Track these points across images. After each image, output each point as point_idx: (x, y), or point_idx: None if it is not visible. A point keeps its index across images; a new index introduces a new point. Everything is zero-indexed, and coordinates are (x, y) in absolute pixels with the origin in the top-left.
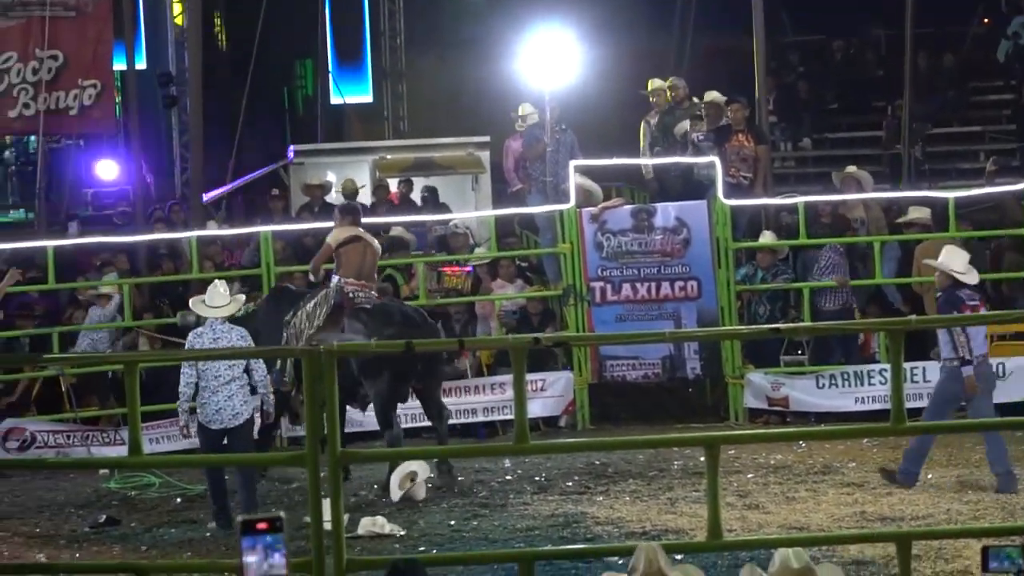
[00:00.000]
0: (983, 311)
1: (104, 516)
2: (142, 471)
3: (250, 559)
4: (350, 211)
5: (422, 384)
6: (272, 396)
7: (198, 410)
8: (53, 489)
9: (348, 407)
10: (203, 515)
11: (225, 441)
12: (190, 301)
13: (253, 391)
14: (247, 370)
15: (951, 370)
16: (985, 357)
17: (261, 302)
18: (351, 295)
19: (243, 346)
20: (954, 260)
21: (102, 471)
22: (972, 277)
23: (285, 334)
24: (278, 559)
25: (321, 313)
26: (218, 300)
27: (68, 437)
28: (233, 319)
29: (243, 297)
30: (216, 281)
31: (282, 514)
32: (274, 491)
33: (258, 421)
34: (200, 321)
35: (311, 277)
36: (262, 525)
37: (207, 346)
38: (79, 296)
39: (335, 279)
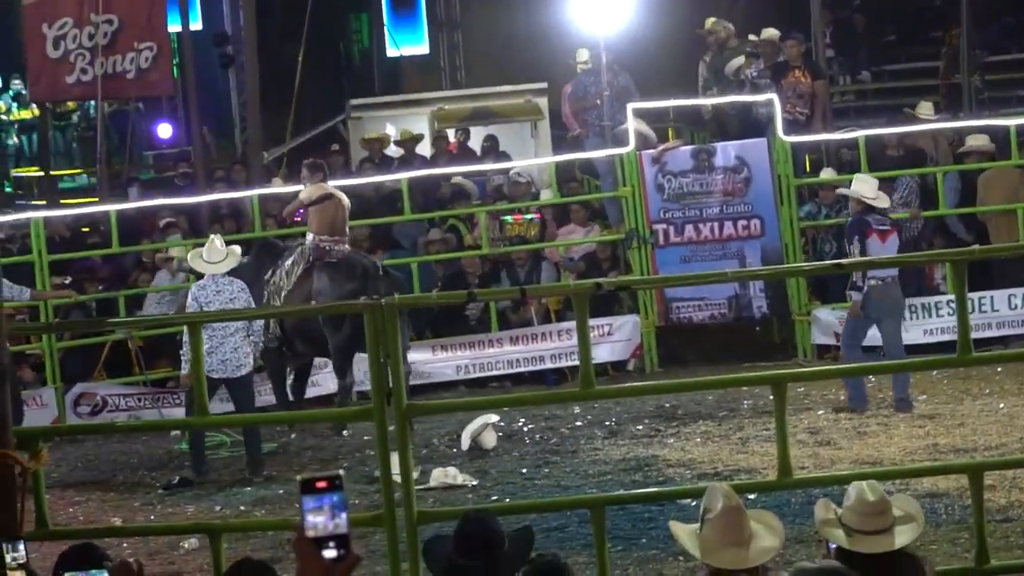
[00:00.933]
0: (894, 236)
1: (177, 477)
2: (213, 431)
3: (316, 519)
4: (317, 168)
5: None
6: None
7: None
8: (126, 452)
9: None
10: (275, 472)
11: (221, 392)
12: (188, 256)
13: None
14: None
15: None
16: (895, 280)
17: (250, 258)
18: (327, 248)
19: (244, 298)
20: (864, 187)
21: (174, 432)
22: (882, 202)
23: (265, 292)
24: (343, 517)
25: (297, 270)
26: (216, 256)
27: (139, 400)
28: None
29: (239, 250)
30: (213, 236)
31: (341, 471)
32: (346, 446)
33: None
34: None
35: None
36: (322, 484)
37: (210, 298)
38: (144, 259)
39: (310, 237)
